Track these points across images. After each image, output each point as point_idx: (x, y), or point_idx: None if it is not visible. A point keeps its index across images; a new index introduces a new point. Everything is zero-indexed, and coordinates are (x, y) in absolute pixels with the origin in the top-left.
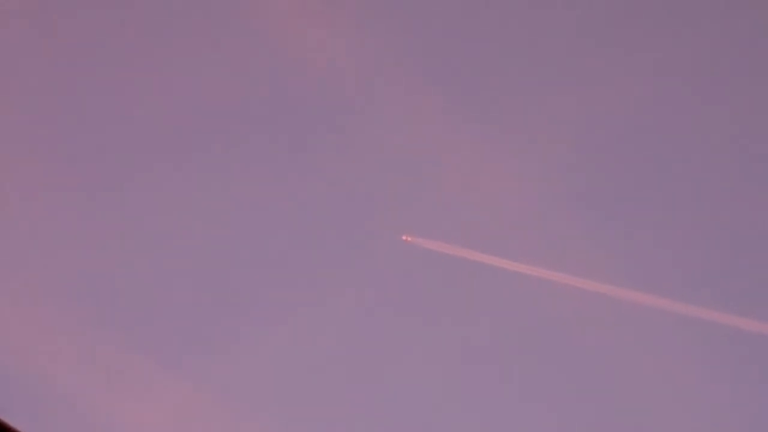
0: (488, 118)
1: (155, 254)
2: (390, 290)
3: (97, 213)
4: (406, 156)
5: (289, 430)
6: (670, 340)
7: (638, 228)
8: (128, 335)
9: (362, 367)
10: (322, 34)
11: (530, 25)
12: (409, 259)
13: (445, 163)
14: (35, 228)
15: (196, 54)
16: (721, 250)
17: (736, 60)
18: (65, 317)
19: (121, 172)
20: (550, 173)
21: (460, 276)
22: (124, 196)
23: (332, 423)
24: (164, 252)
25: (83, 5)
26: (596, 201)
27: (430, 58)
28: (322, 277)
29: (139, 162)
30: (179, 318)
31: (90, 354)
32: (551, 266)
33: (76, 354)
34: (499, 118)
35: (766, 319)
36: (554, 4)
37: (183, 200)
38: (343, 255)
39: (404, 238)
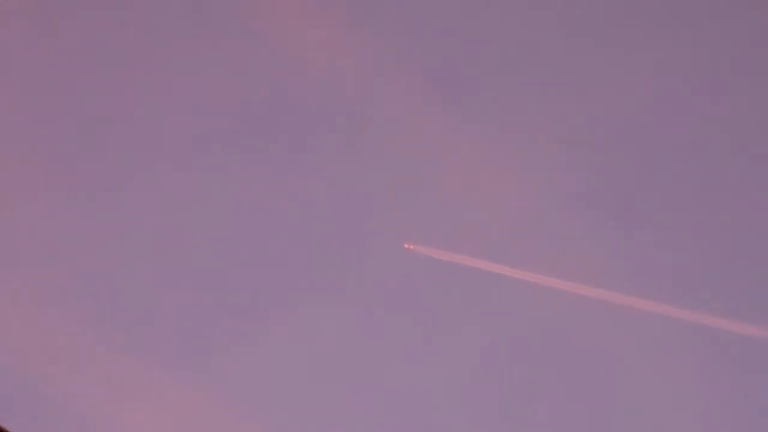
0: (490, 119)
1: (155, 255)
2: (392, 298)
3: (99, 213)
4: (407, 159)
5: None
6: (673, 345)
7: (646, 234)
8: (129, 336)
9: (363, 373)
10: (322, 34)
11: (531, 25)
12: (411, 267)
13: (446, 166)
14: (38, 228)
15: (197, 54)
16: (725, 253)
17: (738, 60)
18: (65, 318)
19: (122, 172)
20: (553, 177)
21: (462, 283)
22: (126, 196)
23: (333, 427)
24: (164, 253)
25: (83, 6)
26: (600, 205)
27: (431, 59)
28: (324, 285)
29: (140, 162)
30: (180, 319)
31: (90, 355)
32: (554, 273)
33: (75, 355)
34: (501, 119)
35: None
36: (555, 3)
37: (183, 201)
38: (344, 262)
39: (406, 245)
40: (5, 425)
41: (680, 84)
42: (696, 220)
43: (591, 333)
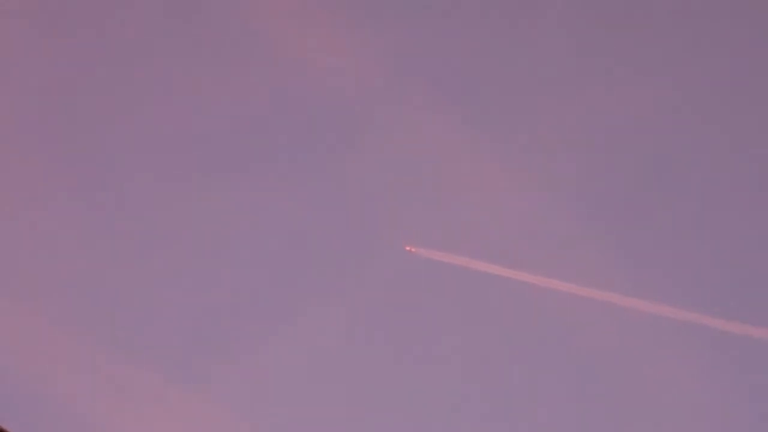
0: (491, 120)
1: (156, 256)
2: (393, 300)
3: (102, 215)
4: (408, 161)
5: None
6: (676, 348)
7: (651, 238)
8: (131, 338)
9: (364, 374)
10: (323, 35)
11: (535, 28)
12: (412, 269)
13: (447, 168)
14: (38, 228)
15: (198, 55)
16: (729, 256)
17: (743, 64)
18: (68, 319)
19: (123, 174)
20: (554, 179)
21: (463, 285)
22: (127, 198)
23: (336, 428)
24: (165, 253)
25: (82, 6)
26: (603, 209)
27: (432, 59)
28: (326, 286)
29: (141, 164)
30: (182, 321)
31: (92, 357)
32: (555, 274)
33: (78, 357)
34: (502, 120)
35: None
36: (561, 6)
37: (186, 203)
38: (346, 264)
39: (407, 248)
40: (6, 426)
41: (687, 88)
42: (701, 225)
43: (592, 334)
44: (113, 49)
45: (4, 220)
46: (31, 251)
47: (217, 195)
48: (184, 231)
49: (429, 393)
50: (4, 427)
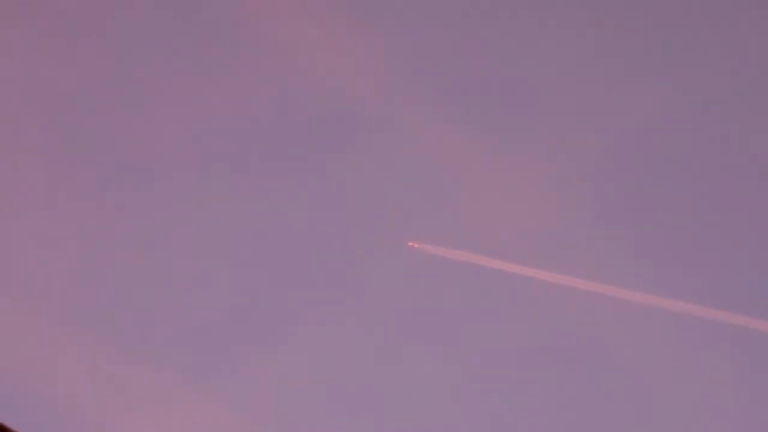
0: (494, 119)
1: (159, 257)
2: (397, 295)
3: (110, 218)
4: (410, 159)
5: None
6: (683, 342)
7: (647, 233)
8: (131, 342)
9: (367, 369)
10: (325, 35)
11: (544, 32)
12: (415, 265)
13: (449, 165)
14: (40, 229)
15: (199, 55)
16: (733, 253)
17: (750, 69)
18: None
19: (125, 175)
20: (557, 176)
21: (466, 280)
22: (132, 201)
23: (339, 424)
24: (168, 255)
25: (82, 6)
26: (605, 206)
27: (434, 60)
28: (330, 284)
29: (145, 167)
30: (182, 323)
31: (95, 359)
32: (558, 270)
33: (77, 361)
34: (505, 118)
35: None
36: (571, 11)
37: (192, 205)
38: (351, 261)
39: (410, 243)
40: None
41: (694, 92)
42: (706, 223)
43: (597, 329)
44: (113, 49)
45: (4, 220)
46: (31, 251)
47: (218, 195)
48: (187, 231)
49: (431, 385)
50: (9, 426)
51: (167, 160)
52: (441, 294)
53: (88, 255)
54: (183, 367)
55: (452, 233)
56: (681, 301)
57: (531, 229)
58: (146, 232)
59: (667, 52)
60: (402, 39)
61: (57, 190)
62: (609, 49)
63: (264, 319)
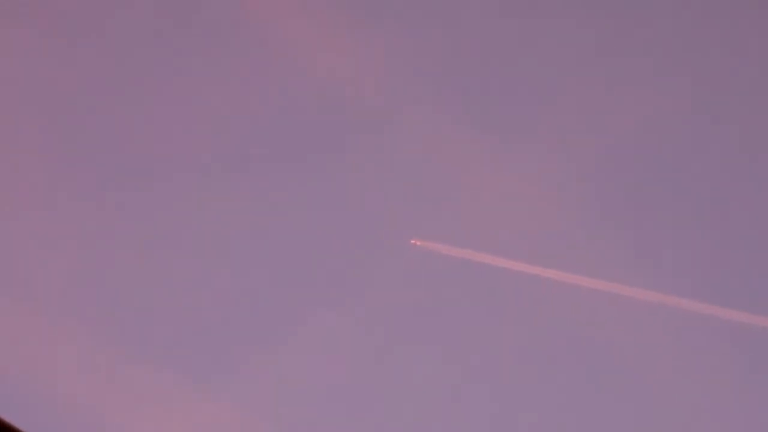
0: (496, 117)
1: (160, 257)
2: (400, 294)
3: (110, 216)
4: (411, 157)
5: None
6: (684, 339)
7: (647, 232)
8: (131, 342)
9: (369, 368)
10: (327, 35)
11: (544, 32)
12: (418, 263)
13: (451, 162)
14: (41, 229)
15: (200, 56)
16: (739, 249)
17: (751, 69)
18: (67, 321)
19: (127, 175)
20: (560, 173)
21: (469, 279)
22: (132, 200)
23: (340, 424)
24: (168, 255)
25: (82, 7)
26: (609, 205)
27: (435, 58)
28: (332, 283)
29: (146, 167)
30: (183, 324)
31: (96, 360)
32: (562, 267)
33: (77, 361)
34: (507, 116)
35: None
36: (571, 11)
37: (193, 202)
38: (352, 259)
39: (413, 241)
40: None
41: (698, 92)
42: (709, 221)
43: (600, 327)
44: (112, 49)
45: (4, 220)
46: (31, 251)
47: (218, 195)
48: (188, 231)
49: (435, 385)
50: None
51: (167, 160)
52: (444, 292)
53: (88, 255)
54: (183, 367)
55: (455, 231)
56: (682, 298)
57: (533, 227)
58: (146, 232)
59: (668, 52)
60: (402, 39)
61: (57, 190)
62: (609, 49)
63: (264, 319)
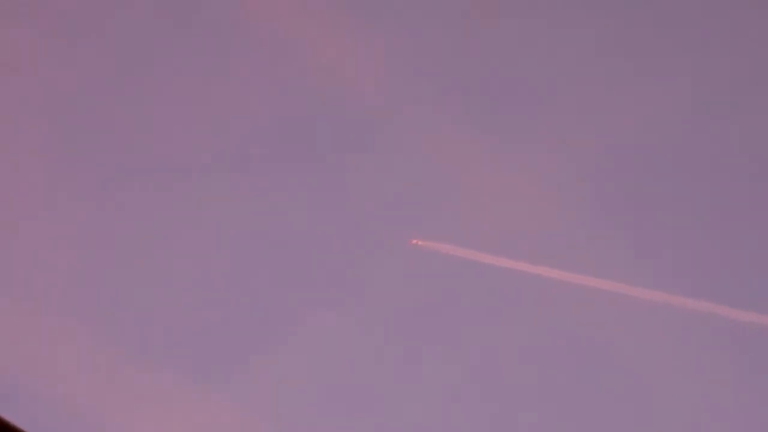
0: (497, 117)
1: (160, 257)
2: (400, 294)
3: (111, 218)
4: (413, 159)
5: None
6: (686, 339)
7: (648, 232)
8: (131, 342)
9: (370, 368)
10: (329, 35)
11: (545, 32)
12: (417, 263)
13: (451, 163)
14: (42, 229)
15: (202, 56)
16: (741, 247)
17: (751, 69)
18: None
19: (127, 175)
20: (560, 173)
21: (469, 279)
22: (135, 201)
23: (340, 424)
24: (169, 254)
25: (82, 7)
26: (609, 205)
27: (437, 58)
28: (332, 283)
29: (146, 167)
30: (183, 324)
31: (92, 361)
32: (562, 267)
33: (77, 361)
34: (508, 117)
35: None
36: (572, 11)
37: (189, 204)
38: (352, 259)
39: (413, 241)
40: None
41: (700, 92)
42: (710, 221)
43: (600, 327)
44: (112, 49)
45: (4, 220)
46: (31, 251)
47: (218, 195)
48: (188, 230)
49: (435, 385)
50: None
51: (167, 159)
52: (444, 292)
53: (88, 255)
54: (183, 367)
55: (454, 231)
56: (682, 297)
57: (533, 227)
58: (146, 232)
59: (668, 52)
60: (402, 39)
61: (57, 190)
62: (610, 49)
63: (264, 319)
